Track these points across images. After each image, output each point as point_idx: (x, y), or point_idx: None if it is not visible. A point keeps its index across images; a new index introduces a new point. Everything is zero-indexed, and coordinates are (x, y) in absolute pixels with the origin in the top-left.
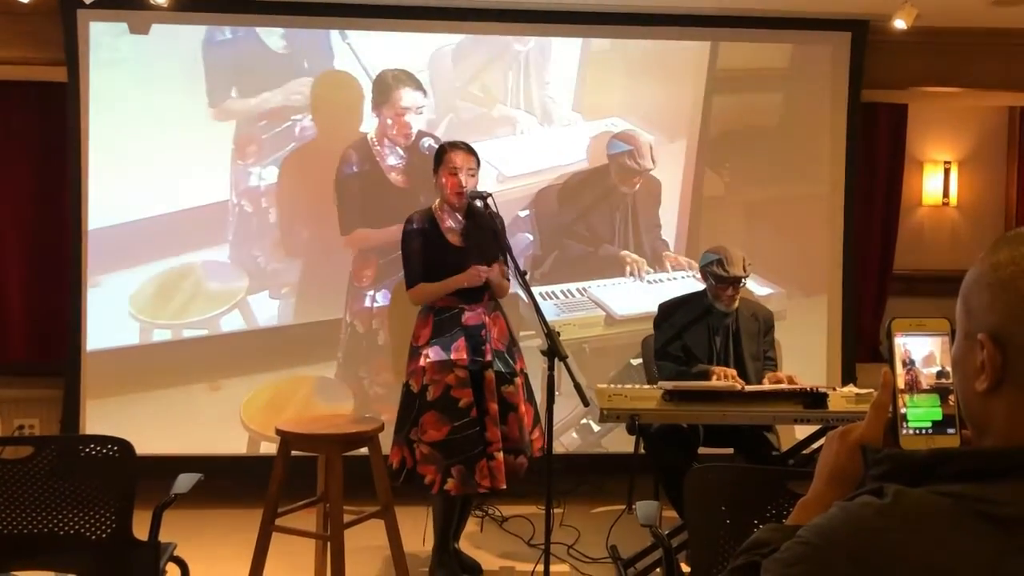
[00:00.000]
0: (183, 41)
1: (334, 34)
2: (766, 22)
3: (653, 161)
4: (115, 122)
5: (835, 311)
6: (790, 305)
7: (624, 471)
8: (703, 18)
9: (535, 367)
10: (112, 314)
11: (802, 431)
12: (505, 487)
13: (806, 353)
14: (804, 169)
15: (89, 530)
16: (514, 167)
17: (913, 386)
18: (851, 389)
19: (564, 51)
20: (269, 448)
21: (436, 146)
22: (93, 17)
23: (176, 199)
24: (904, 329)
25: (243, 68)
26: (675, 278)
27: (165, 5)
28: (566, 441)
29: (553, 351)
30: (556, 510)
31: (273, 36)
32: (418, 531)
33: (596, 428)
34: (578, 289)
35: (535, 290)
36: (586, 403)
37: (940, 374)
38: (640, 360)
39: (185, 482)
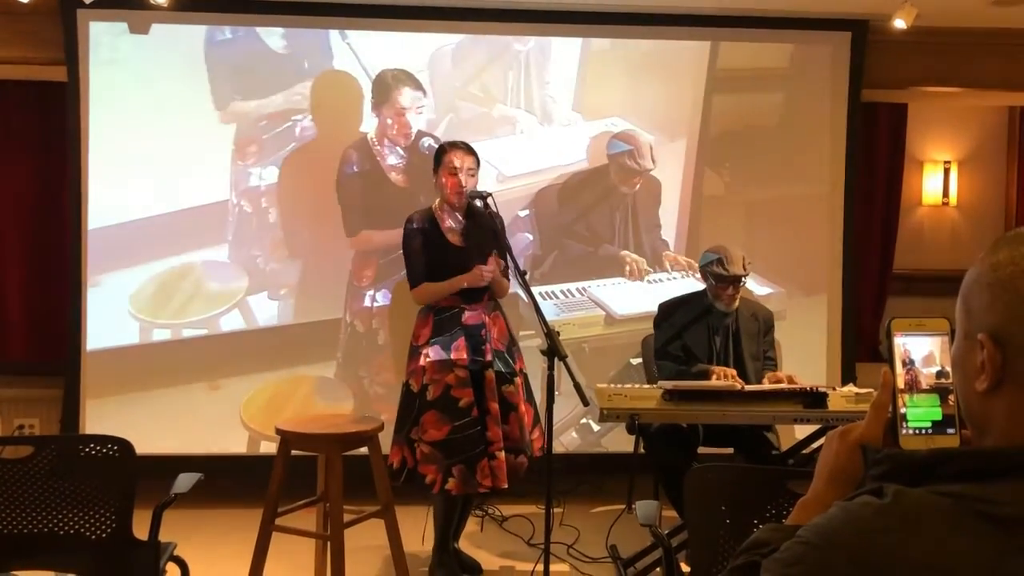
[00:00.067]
0: (183, 41)
1: (334, 34)
2: (766, 22)
3: (653, 161)
4: (115, 122)
5: (835, 311)
6: (790, 305)
7: (624, 471)
8: (703, 18)
9: (535, 367)
10: (112, 314)
11: (802, 431)
12: (507, 486)
13: (806, 353)
14: (804, 169)
15: (89, 530)
16: (514, 167)
17: (913, 386)
18: (851, 389)
19: (564, 51)
20: (269, 448)
21: (436, 146)
22: (93, 17)
23: (176, 199)
24: (904, 329)
25: (244, 69)
26: (675, 278)
27: (165, 5)
28: (566, 441)
29: (553, 351)
30: (556, 510)
31: (273, 36)
32: (418, 531)
33: (596, 428)
34: (578, 289)
35: (535, 290)
36: (586, 403)
37: (940, 374)
38: (640, 360)
39: (185, 482)
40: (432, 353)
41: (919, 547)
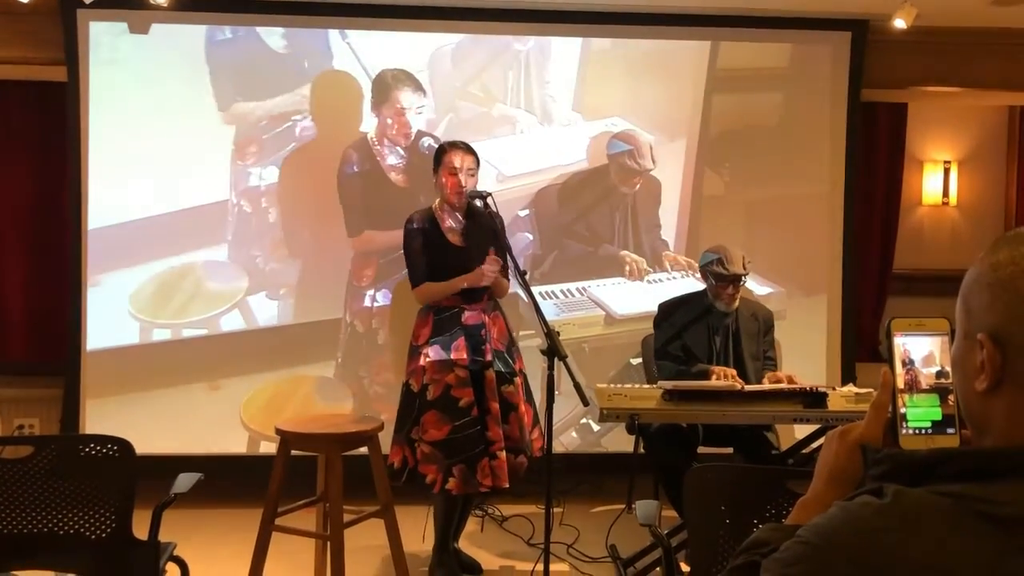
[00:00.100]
0: (183, 41)
1: (333, 34)
2: (766, 22)
3: (653, 161)
4: (115, 122)
5: (835, 311)
6: (790, 305)
7: (624, 470)
8: (703, 18)
9: (535, 367)
10: (112, 314)
11: (802, 431)
12: (508, 486)
13: (806, 353)
14: (804, 169)
15: (89, 530)
16: (514, 167)
17: (913, 386)
18: (851, 389)
19: (564, 51)
20: (269, 448)
21: (436, 146)
22: (93, 17)
23: (176, 199)
24: (903, 329)
25: (244, 69)
26: (675, 278)
27: (165, 5)
28: (566, 440)
29: (553, 350)
30: (556, 509)
31: (273, 36)
32: (418, 531)
33: (596, 427)
34: (578, 289)
35: (535, 290)
36: (586, 402)
37: (939, 374)
38: (640, 360)
39: (185, 482)
40: (432, 353)
41: (919, 547)
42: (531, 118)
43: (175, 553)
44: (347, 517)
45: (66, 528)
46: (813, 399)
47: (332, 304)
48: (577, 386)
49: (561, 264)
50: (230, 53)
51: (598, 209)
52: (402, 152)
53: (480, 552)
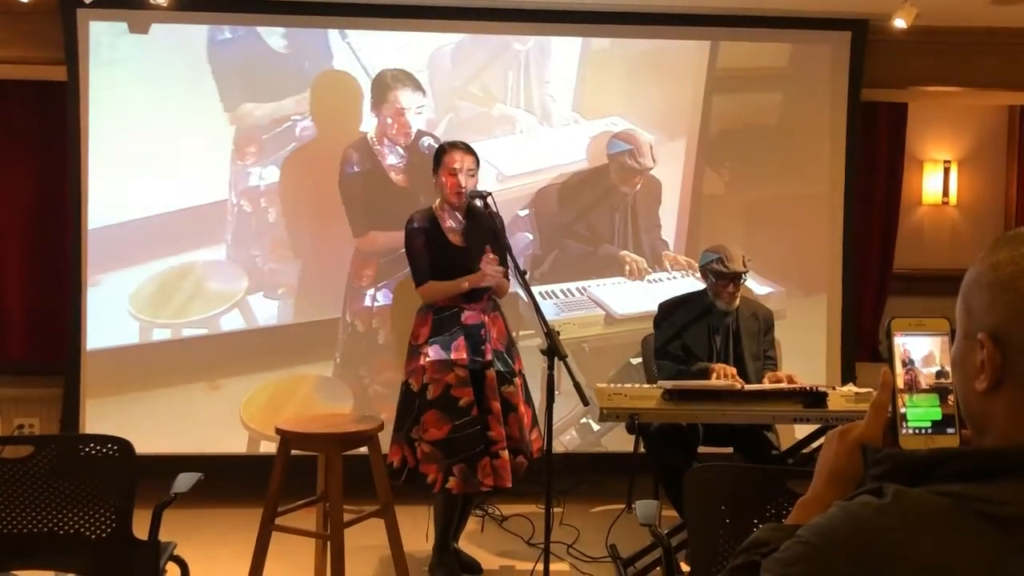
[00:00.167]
0: (183, 41)
1: (333, 34)
2: (766, 21)
3: (653, 159)
4: (115, 121)
5: (835, 310)
6: (790, 304)
7: (624, 470)
8: (703, 17)
9: (535, 366)
10: (112, 313)
11: (802, 430)
12: (511, 485)
13: (806, 352)
14: (804, 168)
15: (89, 529)
16: (514, 166)
17: (912, 386)
18: (851, 388)
19: (564, 50)
20: (269, 447)
21: (436, 145)
22: (93, 16)
23: (176, 198)
24: (903, 329)
25: (245, 69)
26: (675, 277)
27: (165, 5)
28: (566, 440)
29: (553, 350)
30: (556, 509)
31: (274, 36)
32: (418, 530)
33: (596, 427)
34: (578, 288)
35: (535, 289)
36: (586, 402)
37: (939, 374)
38: (640, 359)
39: (185, 481)
40: (432, 352)
41: (919, 547)
42: (531, 118)
43: (175, 553)
44: (347, 517)
45: (66, 528)
46: (813, 399)
47: (332, 304)
48: (577, 386)
49: (561, 264)
50: (230, 53)
51: (598, 209)
52: (402, 152)
53: (480, 552)
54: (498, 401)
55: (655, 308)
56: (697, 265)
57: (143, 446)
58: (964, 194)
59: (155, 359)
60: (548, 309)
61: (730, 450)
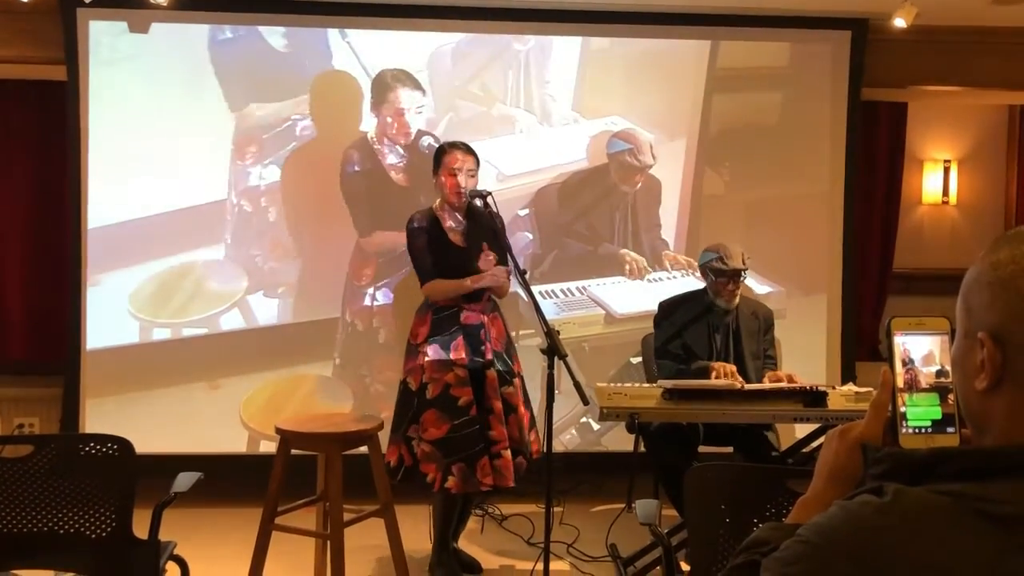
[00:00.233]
0: (183, 40)
1: (333, 33)
2: (766, 21)
3: (653, 158)
4: (115, 121)
5: (835, 310)
6: (790, 304)
7: (624, 470)
8: (703, 17)
9: (535, 366)
10: (112, 313)
11: (802, 430)
12: (513, 484)
13: (806, 352)
14: (804, 168)
15: (89, 529)
16: (514, 166)
17: (912, 385)
18: (851, 388)
19: (564, 50)
20: (269, 447)
21: (436, 145)
22: (93, 16)
23: (176, 198)
24: (903, 328)
25: (245, 69)
26: (675, 277)
27: (165, 4)
28: (566, 440)
29: (553, 350)
30: (556, 509)
31: (274, 36)
32: (418, 529)
33: (596, 426)
34: (578, 288)
35: (535, 289)
36: (586, 401)
37: (939, 373)
38: (640, 358)
39: (185, 481)
40: (431, 352)
41: (919, 546)
42: (531, 117)
43: (175, 552)
44: (347, 516)
45: (66, 527)
46: (813, 398)
47: (332, 303)
48: (577, 385)
49: (561, 263)
50: (230, 53)
51: (598, 208)
52: (402, 151)
53: (480, 551)
54: (499, 401)
55: (655, 307)
56: (697, 265)
57: (143, 446)
58: (964, 194)
59: (155, 359)
60: (548, 308)
61: (730, 449)
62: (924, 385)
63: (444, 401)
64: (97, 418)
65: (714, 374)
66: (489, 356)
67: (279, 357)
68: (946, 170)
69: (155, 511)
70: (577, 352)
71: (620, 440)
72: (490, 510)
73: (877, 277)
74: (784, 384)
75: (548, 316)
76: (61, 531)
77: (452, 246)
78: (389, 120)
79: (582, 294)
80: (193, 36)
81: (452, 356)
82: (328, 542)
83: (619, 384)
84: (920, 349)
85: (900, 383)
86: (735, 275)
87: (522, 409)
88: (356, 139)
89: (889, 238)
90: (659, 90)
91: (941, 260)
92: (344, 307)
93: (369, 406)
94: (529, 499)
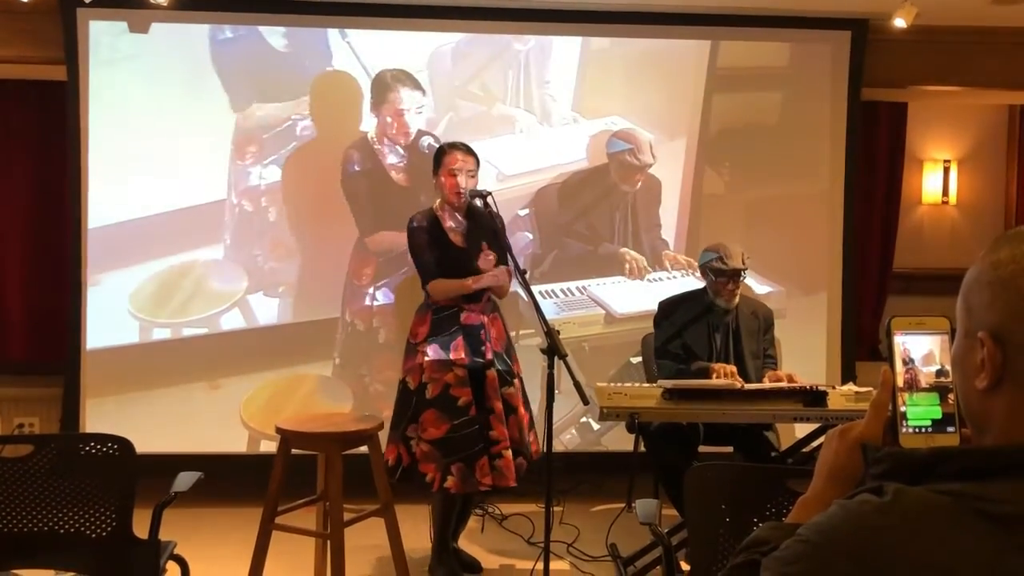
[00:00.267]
0: (183, 40)
1: (333, 33)
2: (766, 21)
3: (653, 157)
4: (115, 121)
5: (835, 309)
6: (790, 303)
7: (624, 469)
8: (703, 17)
9: (535, 366)
10: (112, 313)
11: (802, 429)
12: (515, 484)
13: (806, 351)
14: (804, 168)
15: (89, 528)
16: (514, 166)
17: (912, 385)
18: (851, 387)
19: (564, 50)
20: (269, 447)
21: (436, 145)
22: (93, 16)
23: (176, 198)
24: (903, 328)
25: (245, 69)
26: (675, 277)
27: (165, 4)
28: (566, 439)
29: (553, 349)
30: (556, 508)
31: (274, 36)
32: (418, 529)
33: (596, 426)
34: (578, 288)
35: (535, 289)
36: (586, 401)
37: (939, 372)
38: (640, 358)
39: (185, 480)
40: (431, 352)
41: (919, 545)
42: (531, 117)
43: (175, 552)
44: (347, 516)
45: (66, 527)
46: (813, 398)
47: (332, 303)
48: (577, 385)
49: (561, 263)
50: (230, 53)
51: (598, 208)
52: (402, 151)
53: (480, 551)
54: (500, 401)
55: (655, 307)
56: (697, 264)
57: (143, 445)
58: (964, 194)
59: (155, 358)
60: (548, 308)
61: (730, 449)
62: (924, 385)
63: (444, 401)
64: (97, 418)
65: (714, 375)
66: (489, 356)
67: (279, 357)
68: (946, 170)
69: (155, 511)
70: (577, 352)
71: (620, 440)
72: (490, 510)
73: (877, 277)
74: (784, 384)
75: (548, 316)
76: (61, 531)
77: (452, 246)
78: (389, 120)
79: (582, 294)
80: (193, 36)
81: (452, 356)
82: (328, 542)
83: (619, 384)
84: (920, 349)
85: (900, 383)
86: (735, 275)
87: (522, 410)
88: (356, 139)
89: (889, 238)
90: (659, 90)
91: (941, 260)
92: (344, 307)
93: (369, 406)
94: (529, 499)
